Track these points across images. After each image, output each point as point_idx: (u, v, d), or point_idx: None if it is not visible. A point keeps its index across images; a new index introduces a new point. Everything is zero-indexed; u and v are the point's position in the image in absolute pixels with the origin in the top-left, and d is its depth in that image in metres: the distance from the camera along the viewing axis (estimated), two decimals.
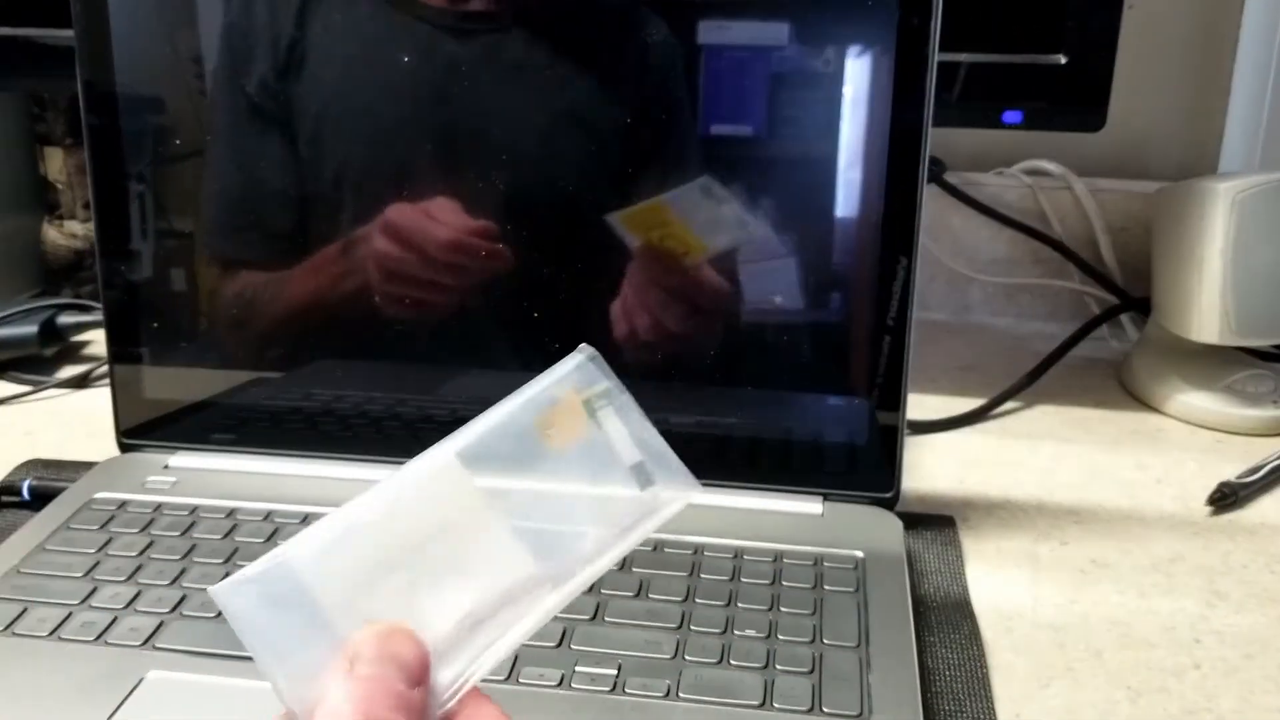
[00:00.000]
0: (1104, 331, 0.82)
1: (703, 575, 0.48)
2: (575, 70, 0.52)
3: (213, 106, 0.55)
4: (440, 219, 0.52)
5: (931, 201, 0.86)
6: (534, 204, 0.53)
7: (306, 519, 0.51)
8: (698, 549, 0.50)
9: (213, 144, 0.56)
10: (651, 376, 0.54)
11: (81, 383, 0.74)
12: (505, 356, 0.55)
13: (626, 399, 0.31)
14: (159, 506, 0.53)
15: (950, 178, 0.86)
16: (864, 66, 0.50)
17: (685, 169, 0.52)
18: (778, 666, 0.42)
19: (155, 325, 0.57)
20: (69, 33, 0.55)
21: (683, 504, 0.31)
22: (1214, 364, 0.71)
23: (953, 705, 0.43)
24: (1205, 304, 0.66)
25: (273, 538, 0.50)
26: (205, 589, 0.46)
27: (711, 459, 0.55)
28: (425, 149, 0.53)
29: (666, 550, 0.50)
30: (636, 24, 0.51)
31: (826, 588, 0.47)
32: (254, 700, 0.41)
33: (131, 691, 0.41)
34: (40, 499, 0.56)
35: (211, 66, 0.55)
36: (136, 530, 0.51)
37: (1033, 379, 0.74)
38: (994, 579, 0.52)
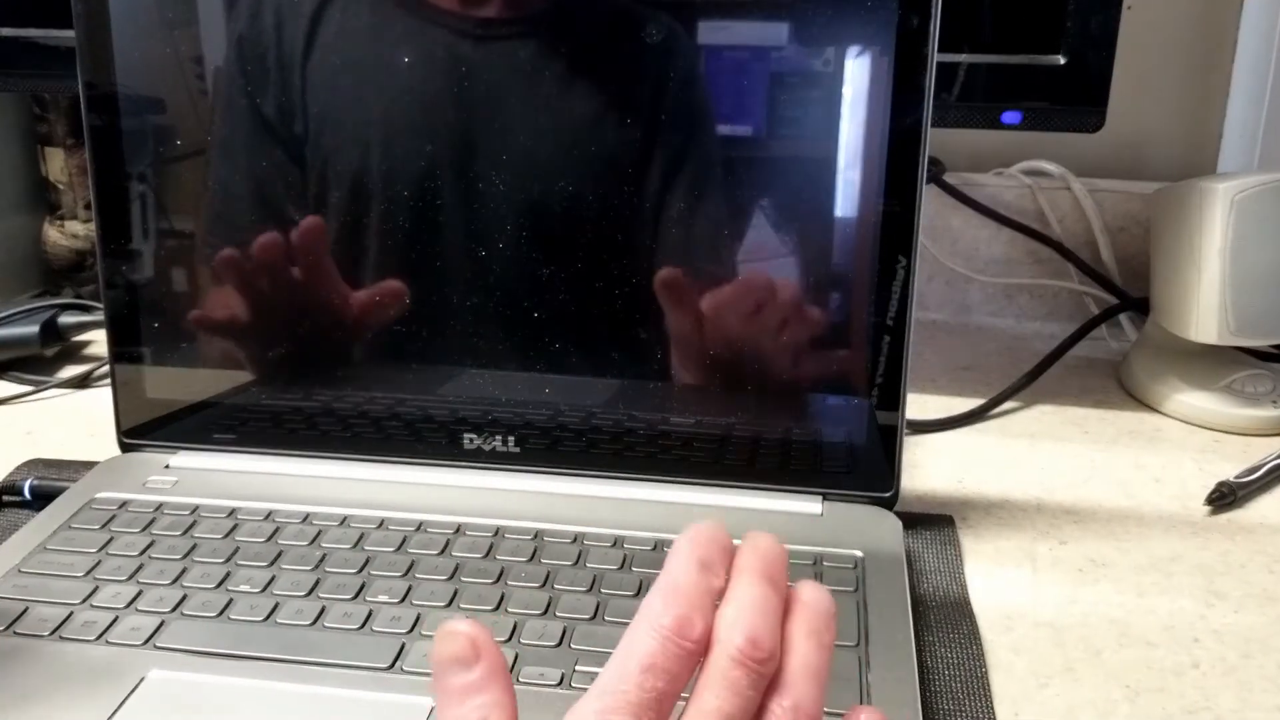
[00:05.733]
0: (1103, 331, 0.82)
1: None
2: (590, 74, 0.52)
3: (219, 111, 0.55)
4: None
5: (931, 202, 0.86)
6: (543, 206, 0.53)
7: (307, 518, 0.51)
8: None
9: (218, 148, 0.56)
10: (651, 377, 0.54)
11: (83, 383, 0.74)
12: (506, 357, 0.55)
13: None
14: (160, 506, 0.53)
15: (949, 178, 0.86)
16: (863, 67, 0.50)
17: (701, 170, 0.52)
18: None
19: (156, 325, 0.57)
20: (70, 33, 0.55)
21: None
22: (1212, 364, 0.71)
23: (952, 704, 0.43)
24: (1204, 304, 0.66)
25: (273, 537, 0.50)
26: (206, 588, 0.47)
27: (712, 459, 0.55)
28: (438, 154, 0.53)
29: (666, 550, 0.50)
30: (651, 28, 0.51)
31: (826, 587, 0.47)
32: (254, 699, 0.41)
33: (133, 691, 0.41)
34: (41, 499, 0.56)
35: (213, 69, 0.55)
36: (137, 530, 0.51)
37: (1031, 379, 0.74)
38: (993, 578, 0.53)
